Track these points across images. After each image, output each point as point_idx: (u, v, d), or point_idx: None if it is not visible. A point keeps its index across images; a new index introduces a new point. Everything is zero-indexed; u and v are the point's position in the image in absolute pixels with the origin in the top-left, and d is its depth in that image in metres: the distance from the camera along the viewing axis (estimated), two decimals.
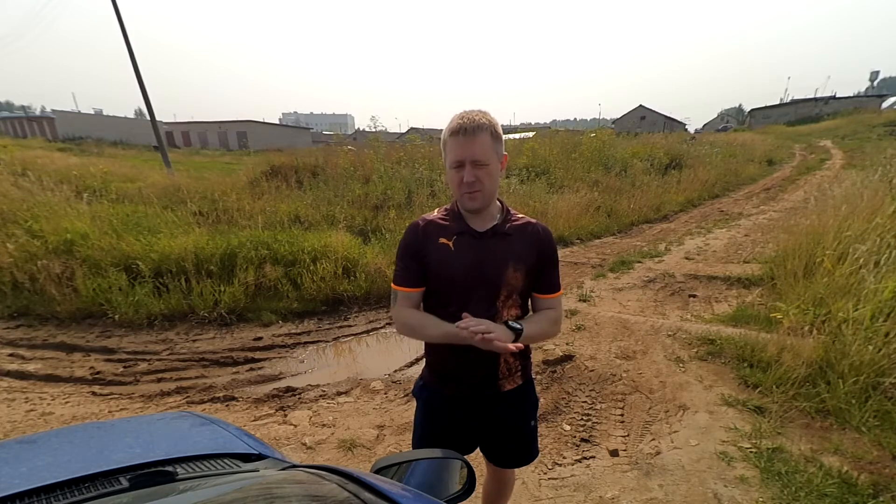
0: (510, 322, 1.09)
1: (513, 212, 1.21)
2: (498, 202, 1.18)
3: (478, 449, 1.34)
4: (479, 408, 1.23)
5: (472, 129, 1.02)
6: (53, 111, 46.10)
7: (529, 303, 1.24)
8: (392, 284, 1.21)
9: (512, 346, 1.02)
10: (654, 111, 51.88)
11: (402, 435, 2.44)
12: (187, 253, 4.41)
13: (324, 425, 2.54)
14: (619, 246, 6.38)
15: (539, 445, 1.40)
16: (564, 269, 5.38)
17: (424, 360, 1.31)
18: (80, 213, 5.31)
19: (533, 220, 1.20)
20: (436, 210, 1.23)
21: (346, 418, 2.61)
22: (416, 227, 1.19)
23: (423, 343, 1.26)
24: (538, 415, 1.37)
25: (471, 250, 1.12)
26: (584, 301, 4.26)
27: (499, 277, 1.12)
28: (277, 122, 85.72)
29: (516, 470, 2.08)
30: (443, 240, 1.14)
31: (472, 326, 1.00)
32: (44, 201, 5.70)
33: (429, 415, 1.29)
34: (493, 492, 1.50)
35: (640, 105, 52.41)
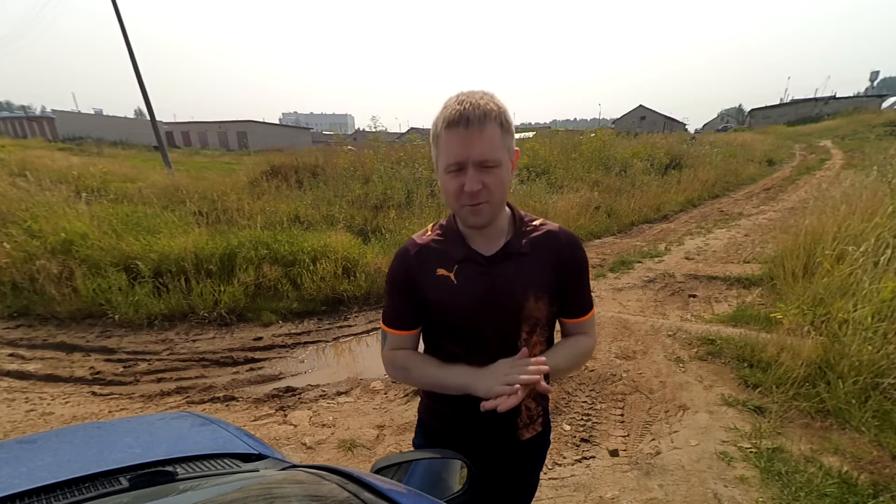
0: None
1: (526, 218, 0.94)
2: (507, 208, 0.93)
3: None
4: (493, 459, 1.00)
5: (477, 119, 0.76)
6: (53, 111, 46.16)
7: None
8: (381, 323, 1.00)
9: (543, 385, 0.77)
10: (654, 111, 51.96)
11: (402, 435, 2.44)
12: (187, 253, 4.41)
13: (324, 425, 2.54)
14: (619, 246, 6.38)
15: None
16: None
17: (421, 402, 1.09)
18: (79, 213, 5.31)
19: (554, 227, 0.94)
20: (429, 227, 0.97)
21: (346, 418, 2.61)
22: (405, 254, 0.94)
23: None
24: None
25: (479, 282, 0.88)
26: None
27: (517, 312, 0.88)
28: (277, 122, 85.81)
29: None
30: (441, 271, 0.90)
31: (494, 403, 0.76)
32: (42, 201, 5.69)
33: None
34: None
35: (640, 105, 52.50)
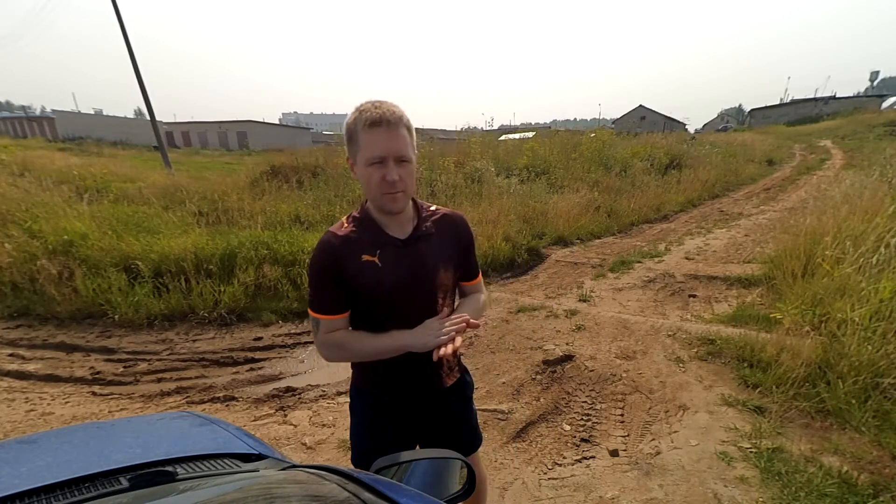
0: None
1: (424, 205, 1.13)
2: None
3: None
4: (424, 408, 1.20)
5: (394, 122, 0.92)
6: (53, 111, 46.19)
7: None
8: (310, 311, 1.07)
9: (472, 322, 1.01)
10: (654, 111, 51.90)
11: None
12: (187, 253, 4.41)
13: (324, 425, 2.54)
14: (619, 246, 6.38)
15: (481, 431, 1.39)
16: (565, 269, 5.39)
17: (352, 375, 1.23)
18: (79, 213, 5.31)
19: (447, 211, 1.15)
20: (344, 220, 1.08)
21: (347, 418, 2.60)
22: (328, 245, 1.04)
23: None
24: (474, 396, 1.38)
25: (400, 262, 1.04)
26: (584, 301, 4.26)
27: (434, 283, 1.07)
28: (277, 122, 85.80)
29: (516, 470, 2.09)
30: (366, 257, 1.03)
31: (442, 352, 0.94)
32: (43, 201, 5.70)
33: (371, 426, 1.21)
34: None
35: (640, 105, 52.43)
